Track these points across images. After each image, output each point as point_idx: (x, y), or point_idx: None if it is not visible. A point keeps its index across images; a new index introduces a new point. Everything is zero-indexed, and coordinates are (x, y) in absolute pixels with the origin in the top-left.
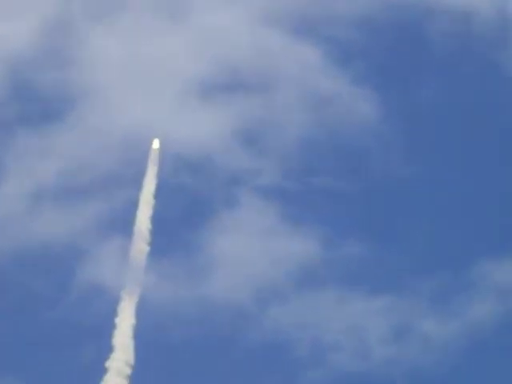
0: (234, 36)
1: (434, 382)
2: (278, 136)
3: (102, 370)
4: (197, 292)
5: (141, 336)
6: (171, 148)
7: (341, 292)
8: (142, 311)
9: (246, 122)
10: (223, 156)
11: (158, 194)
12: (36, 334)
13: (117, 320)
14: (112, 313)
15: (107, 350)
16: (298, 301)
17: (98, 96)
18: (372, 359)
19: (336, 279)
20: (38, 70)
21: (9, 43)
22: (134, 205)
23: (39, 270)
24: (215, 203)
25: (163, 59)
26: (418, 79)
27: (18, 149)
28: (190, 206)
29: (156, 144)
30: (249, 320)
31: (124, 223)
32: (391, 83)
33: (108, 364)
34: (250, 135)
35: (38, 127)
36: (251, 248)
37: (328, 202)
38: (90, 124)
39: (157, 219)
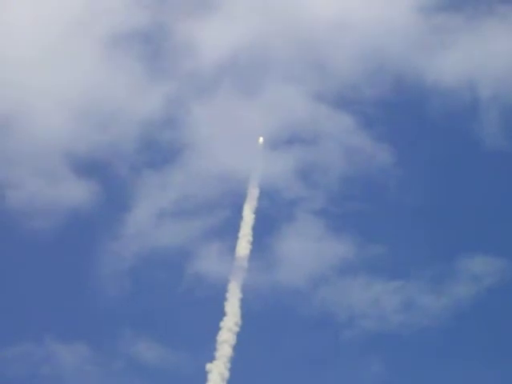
0: (293, 106)
1: (431, 338)
2: (324, 175)
3: (217, 328)
4: (269, 278)
5: (246, 306)
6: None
7: (368, 279)
8: (246, 290)
9: (301, 165)
10: (287, 188)
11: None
12: (171, 306)
13: (228, 295)
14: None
15: (221, 315)
16: (338, 285)
17: (200, 147)
18: (389, 324)
19: (365, 270)
20: (160, 130)
21: (142, 110)
22: (228, 222)
23: (166, 266)
24: (281, 220)
25: (244, 123)
26: (417, 139)
27: (146, 184)
28: (266, 221)
29: (261, 140)
30: (304, 298)
31: (222, 234)
32: (403, 140)
33: (222, 324)
34: (304, 174)
35: (159, 169)
36: (306, 249)
37: (358, 218)
38: (194, 167)
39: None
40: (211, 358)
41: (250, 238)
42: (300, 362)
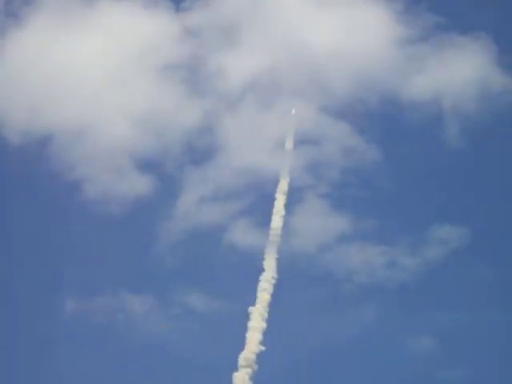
0: (302, 117)
1: (409, 290)
2: (327, 168)
3: (257, 281)
4: (287, 243)
5: (280, 265)
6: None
7: (361, 246)
8: (281, 253)
9: (309, 161)
10: (299, 178)
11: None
12: (213, 267)
13: (265, 256)
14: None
15: (260, 271)
16: (338, 251)
17: (230, 149)
18: (377, 279)
19: (358, 239)
20: (200, 136)
21: (186, 121)
22: (251, 205)
23: (206, 238)
24: (295, 202)
25: (264, 130)
26: (397, 141)
27: (190, 177)
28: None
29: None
30: (313, 260)
31: (247, 214)
32: (386, 142)
33: (261, 277)
34: (312, 168)
35: (200, 166)
36: (314, 224)
37: (353, 200)
38: (226, 164)
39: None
40: (253, 303)
41: (283, 213)
42: (313, 308)
